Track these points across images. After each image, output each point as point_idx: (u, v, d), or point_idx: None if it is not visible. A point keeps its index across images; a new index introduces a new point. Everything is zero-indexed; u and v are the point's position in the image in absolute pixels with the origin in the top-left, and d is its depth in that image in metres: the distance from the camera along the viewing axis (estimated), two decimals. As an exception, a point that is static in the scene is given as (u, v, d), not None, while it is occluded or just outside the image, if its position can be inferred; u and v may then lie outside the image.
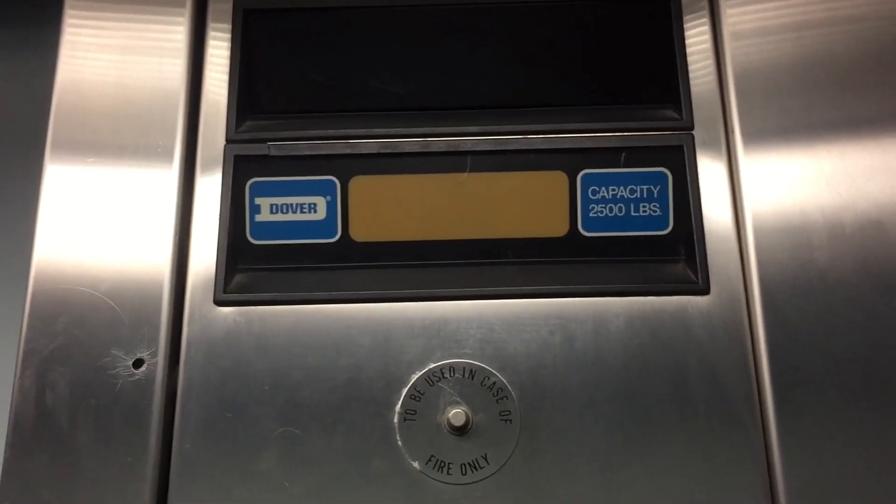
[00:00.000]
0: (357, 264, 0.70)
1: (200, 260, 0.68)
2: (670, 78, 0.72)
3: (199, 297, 0.67)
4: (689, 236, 0.68)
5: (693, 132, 0.70)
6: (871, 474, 0.61)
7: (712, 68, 0.72)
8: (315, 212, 0.70)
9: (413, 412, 0.64)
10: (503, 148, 0.70)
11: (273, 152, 0.71)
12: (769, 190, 0.67)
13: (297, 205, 0.70)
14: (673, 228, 0.69)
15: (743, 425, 0.63)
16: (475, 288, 0.67)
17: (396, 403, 0.64)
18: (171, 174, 0.69)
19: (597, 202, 0.70)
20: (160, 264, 0.67)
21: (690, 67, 0.72)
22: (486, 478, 0.63)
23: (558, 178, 0.70)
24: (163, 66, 0.72)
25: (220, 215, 0.69)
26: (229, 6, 0.74)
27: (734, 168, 0.69)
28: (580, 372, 0.64)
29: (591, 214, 0.70)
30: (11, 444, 0.63)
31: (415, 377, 0.65)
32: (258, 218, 0.70)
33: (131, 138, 0.70)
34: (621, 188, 0.70)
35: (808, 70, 0.70)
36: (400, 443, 0.63)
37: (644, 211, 0.70)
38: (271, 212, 0.70)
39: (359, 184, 0.71)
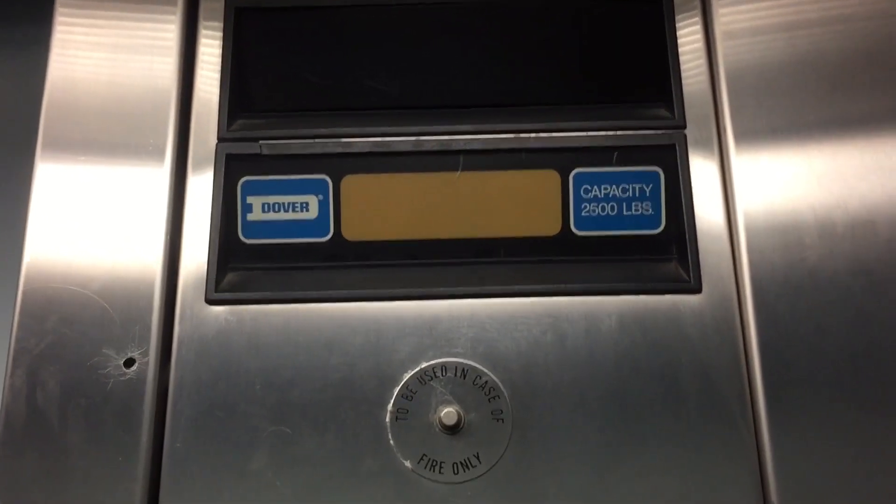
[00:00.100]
0: (349, 263, 0.70)
1: (192, 259, 0.68)
2: (663, 77, 0.72)
3: (190, 296, 0.67)
4: (681, 235, 0.68)
5: (685, 131, 0.70)
6: (861, 472, 0.61)
7: (704, 68, 0.72)
8: (307, 211, 0.70)
9: (405, 411, 0.64)
10: (495, 147, 0.70)
11: (265, 151, 0.71)
12: (761, 189, 0.67)
13: (288, 204, 0.70)
14: (665, 227, 0.69)
15: (734, 424, 0.63)
16: (467, 287, 0.67)
17: (388, 402, 0.64)
18: (162, 173, 0.69)
19: (589, 201, 0.70)
20: (151, 263, 0.67)
21: (683, 67, 0.72)
22: (478, 477, 0.63)
23: (550, 177, 0.70)
24: (154, 65, 0.71)
25: (212, 214, 0.69)
26: (221, 5, 0.74)
27: (726, 167, 0.69)
28: (572, 371, 0.64)
29: (583, 213, 0.70)
30: (2, 443, 0.63)
31: (407, 376, 0.65)
32: (250, 217, 0.70)
33: (123, 137, 0.70)
34: (613, 187, 0.70)
35: (799, 69, 0.70)
36: (392, 442, 0.63)
37: (636, 210, 0.70)
38: (263, 211, 0.70)
39: (351, 183, 0.70)
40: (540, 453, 0.63)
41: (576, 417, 0.63)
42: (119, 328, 0.65)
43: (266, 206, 0.70)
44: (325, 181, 0.70)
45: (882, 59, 0.70)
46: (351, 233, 0.70)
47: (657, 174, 0.70)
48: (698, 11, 0.73)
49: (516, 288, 0.67)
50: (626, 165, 0.70)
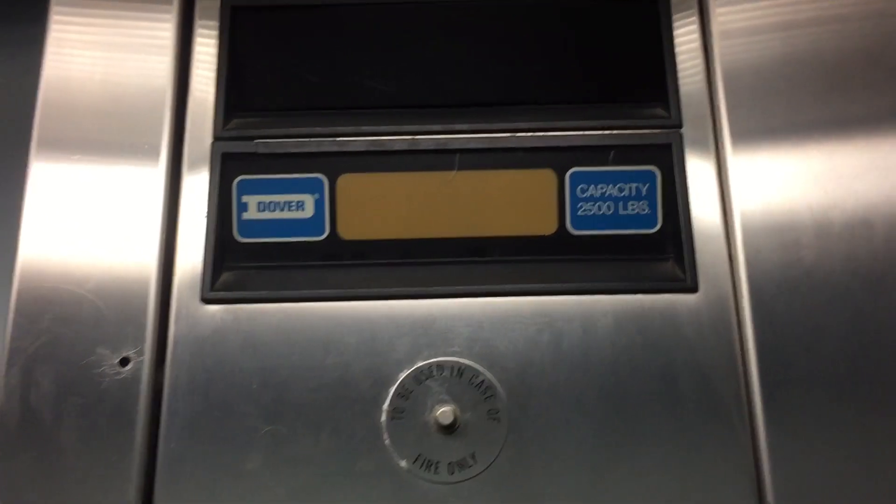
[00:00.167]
0: (345, 262, 0.70)
1: (187, 258, 0.68)
2: (659, 76, 0.72)
3: (185, 295, 0.67)
4: (678, 234, 0.68)
5: (682, 131, 0.70)
6: (857, 472, 0.61)
7: (701, 67, 0.72)
8: (303, 210, 0.70)
9: (401, 411, 0.64)
10: (492, 146, 0.70)
11: (260, 150, 0.70)
12: (757, 188, 0.67)
13: (284, 202, 0.70)
14: (661, 227, 0.69)
15: (731, 423, 0.63)
16: (463, 286, 0.67)
17: (384, 402, 0.64)
18: (157, 172, 0.69)
19: (585, 200, 0.70)
20: (146, 262, 0.67)
21: (679, 66, 0.72)
22: (474, 476, 0.63)
23: (547, 176, 0.70)
24: (149, 64, 0.71)
25: (207, 213, 0.69)
26: (216, 3, 0.73)
27: (722, 166, 0.69)
28: (568, 370, 0.64)
29: (579, 213, 0.70)
30: (-5, 443, 0.63)
31: (402, 375, 0.65)
32: (245, 216, 0.70)
33: (117, 136, 0.70)
34: (610, 186, 0.70)
35: (796, 69, 0.70)
36: (387, 442, 0.63)
37: (632, 209, 0.70)
38: (259, 209, 0.70)
39: (347, 181, 0.70)
40: (536, 453, 0.63)
41: (572, 417, 0.63)
42: (114, 327, 0.65)
43: (262, 204, 0.70)
44: (320, 180, 0.70)
45: (879, 59, 0.70)
46: (347, 232, 0.70)
47: (654, 173, 0.70)
48: (695, 11, 0.73)
49: (512, 287, 0.67)
50: (622, 165, 0.70)
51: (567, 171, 0.70)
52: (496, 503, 0.62)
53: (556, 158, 0.70)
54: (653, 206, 0.69)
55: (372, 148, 0.71)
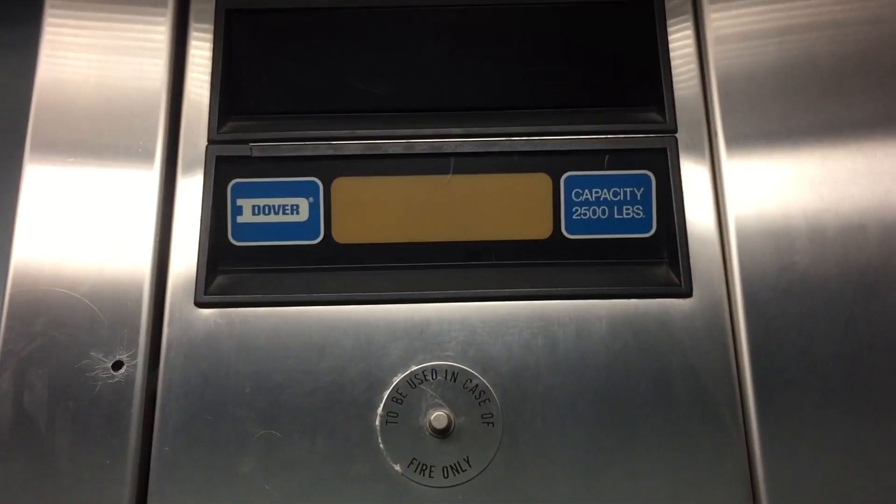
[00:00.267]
0: (340, 266, 0.70)
1: (181, 261, 0.68)
2: (654, 81, 0.72)
3: (179, 298, 0.66)
4: (672, 239, 0.68)
5: (676, 135, 0.70)
6: (851, 475, 0.61)
7: (696, 72, 0.72)
8: (297, 213, 0.70)
9: (395, 415, 0.64)
10: (487, 150, 0.70)
11: (255, 153, 0.70)
12: (752, 193, 0.67)
13: (279, 206, 0.70)
14: (656, 231, 0.69)
15: (725, 427, 0.63)
16: (458, 290, 0.67)
17: (378, 406, 0.64)
18: (152, 175, 0.69)
19: (580, 204, 0.70)
20: (140, 265, 0.66)
21: (674, 71, 0.72)
22: (468, 481, 0.62)
23: (542, 181, 0.70)
24: (144, 66, 0.71)
25: (202, 216, 0.69)
26: (211, 6, 0.73)
27: (717, 171, 0.69)
28: (563, 374, 0.64)
29: (574, 217, 0.70)
30: (-12, 447, 0.63)
31: (397, 379, 0.64)
32: (240, 219, 0.70)
33: (112, 138, 0.69)
34: (605, 190, 0.70)
35: (790, 74, 0.70)
36: (382, 446, 0.63)
37: (627, 213, 0.70)
38: (253, 213, 0.70)
39: (341, 185, 0.70)
40: (530, 457, 0.63)
41: (566, 421, 0.63)
42: (107, 331, 0.65)
43: (256, 208, 0.70)
44: (315, 183, 0.70)
45: (873, 64, 0.70)
46: (341, 235, 0.70)
47: (648, 178, 0.70)
48: (690, 16, 0.73)
49: (507, 291, 0.67)
50: (617, 169, 0.70)
51: (562, 175, 0.70)
52: (490, 507, 0.62)
53: (551, 162, 0.70)
54: (647, 211, 0.70)
55: (367, 151, 0.70)
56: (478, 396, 0.64)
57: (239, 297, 0.67)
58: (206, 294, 0.66)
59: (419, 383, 0.64)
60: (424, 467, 0.63)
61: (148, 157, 0.69)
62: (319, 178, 0.70)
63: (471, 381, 0.64)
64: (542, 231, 0.70)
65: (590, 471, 0.62)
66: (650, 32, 0.73)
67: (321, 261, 0.69)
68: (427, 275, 0.68)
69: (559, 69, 0.74)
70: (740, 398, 0.63)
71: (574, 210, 0.70)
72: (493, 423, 0.64)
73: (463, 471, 0.63)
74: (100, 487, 0.62)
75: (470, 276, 0.68)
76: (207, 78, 0.72)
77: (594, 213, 0.70)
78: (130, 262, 0.66)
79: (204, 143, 0.70)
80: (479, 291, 0.67)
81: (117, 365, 0.64)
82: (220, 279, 0.68)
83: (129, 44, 0.72)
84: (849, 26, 0.71)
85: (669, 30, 0.73)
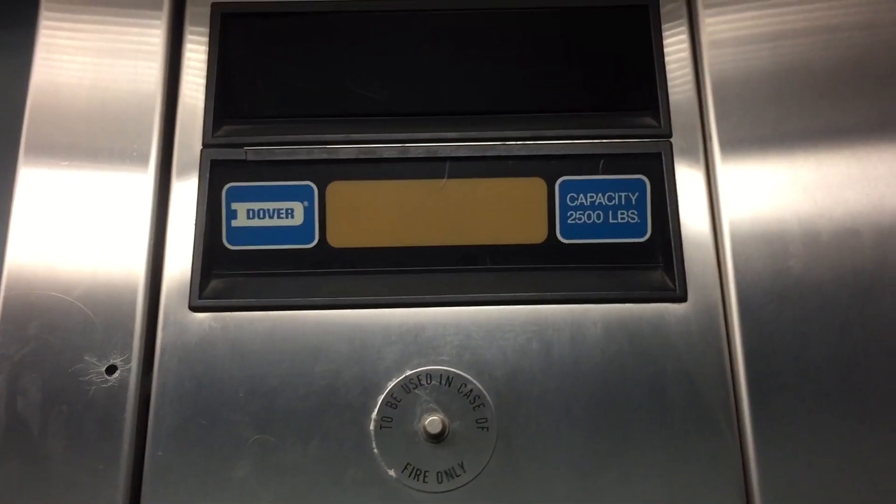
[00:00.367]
0: (334, 270, 0.69)
1: (176, 265, 0.67)
2: (649, 86, 0.72)
3: (173, 302, 0.66)
4: (667, 244, 0.68)
5: (671, 140, 0.70)
6: (845, 479, 0.61)
7: (691, 76, 0.72)
8: (292, 217, 0.70)
9: (389, 419, 0.64)
10: (482, 154, 0.70)
11: (250, 157, 0.70)
12: (746, 198, 0.68)
13: (274, 210, 0.70)
14: (651, 236, 0.69)
15: (719, 431, 0.63)
16: (453, 294, 0.67)
17: (373, 410, 0.64)
18: (146, 178, 0.69)
19: (575, 209, 0.70)
20: (135, 269, 0.66)
21: (669, 75, 0.72)
22: (463, 485, 0.62)
23: (537, 185, 0.70)
24: (139, 70, 0.71)
25: (196, 220, 0.68)
26: (207, 10, 0.73)
27: (712, 176, 0.69)
28: (557, 379, 0.64)
29: (569, 221, 0.70)
30: (-18, 451, 0.62)
31: (391, 384, 0.64)
32: (234, 223, 0.70)
33: (106, 142, 0.69)
34: (599, 195, 0.70)
35: (785, 79, 0.70)
36: (376, 450, 0.63)
37: (622, 218, 0.70)
38: (248, 217, 0.70)
39: (336, 189, 0.70)
40: (525, 461, 0.63)
41: (561, 425, 0.63)
42: (101, 335, 0.64)
43: (251, 212, 0.70)
44: (310, 188, 0.70)
45: (868, 69, 0.70)
46: (336, 240, 0.70)
47: (643, 182, 0.70)
48: (685, 20, 0.73)
49: (502, 296, 0.67)
50: (612, 174, 0.70)
51: (557, 179, 0.70)
52: (485, 512, 0.62)
53: (546, 167, 0.70)
54: (642, 216, 0.70)
55: (362, 156, 0.70)
56: (472, 401, 0.64)
57: (233, 301, 0.66)
58: (200, 298, 0.66)
59: (414, 388, 0.64)
60: (419, 472, 0.63)
61: (142, 160, 0.69)
62: (314, 182, 0.70)
63: (465, 385, 0.64)
64: (537, 235, 0.70)
65: (585, 475, 0.62)
66: (645, 37, 0.73)
67: (316, 265, 0.69)
68: (422, 279, 0.68)
69: (554, 74, 0.74)
70: (735, 402, 0.63)
71: (569, 214, 0.70)
72: (487, 427, 0.63)
73: (457, 476, 0.63)
74: (93, 492, 0.61)
75: (465, 280, 0.68)
76: (202, 81, 0.72)
77: (589, 217, 0.70)
78: (125, 266, 0.66)
79: (199, 146, 0.70)
80: (474, 296, 0.67)
81: (111, 369, 0.64)
82: (214, 283, 0.68)
83: (124, 47, 0.72)
84: (843, 31, 0.71)
85: (664, 34, 0.73)
